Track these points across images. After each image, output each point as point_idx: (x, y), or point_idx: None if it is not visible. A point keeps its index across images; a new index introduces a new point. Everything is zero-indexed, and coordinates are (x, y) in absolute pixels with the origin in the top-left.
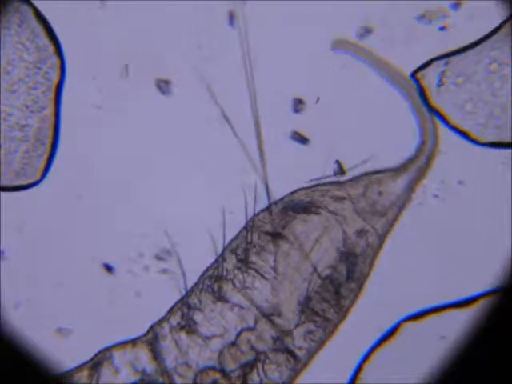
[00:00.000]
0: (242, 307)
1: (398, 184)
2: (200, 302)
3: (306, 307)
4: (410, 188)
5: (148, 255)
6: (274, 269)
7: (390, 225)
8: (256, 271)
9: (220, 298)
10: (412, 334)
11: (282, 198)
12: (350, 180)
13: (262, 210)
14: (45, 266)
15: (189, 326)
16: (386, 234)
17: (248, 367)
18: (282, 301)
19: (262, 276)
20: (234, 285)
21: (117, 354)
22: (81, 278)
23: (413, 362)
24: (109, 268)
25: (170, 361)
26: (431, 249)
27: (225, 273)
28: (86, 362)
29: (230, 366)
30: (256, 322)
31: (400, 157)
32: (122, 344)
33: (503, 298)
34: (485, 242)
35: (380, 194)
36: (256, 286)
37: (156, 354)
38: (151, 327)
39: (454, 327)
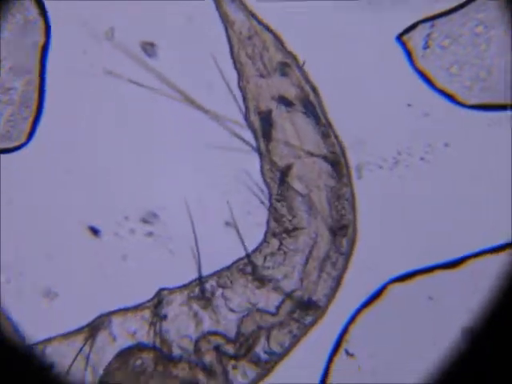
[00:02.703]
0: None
1: None
2: (231, 281)
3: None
4: None
5: (133, 218)
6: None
7: None
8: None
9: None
10: (399, 296)
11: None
12: None
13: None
14: (30, 229)
15: (206, 300)
16: None
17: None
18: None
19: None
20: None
21: (116, 321)
22: (67, 241)
23: (400, 324)
24: (95, 231)
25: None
26: (418, 210)
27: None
28: (84, 327)
29: (246, 330)
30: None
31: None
32: (123, 310)
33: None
34: (471, 204)
35: None
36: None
37: (156, 318)
38: (158, 292)
39: (442, 288)
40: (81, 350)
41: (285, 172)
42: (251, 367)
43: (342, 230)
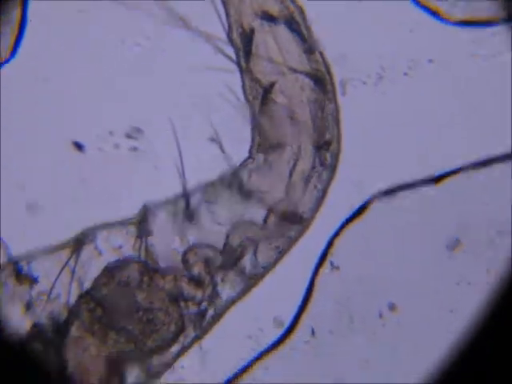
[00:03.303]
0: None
1: None
2: (216, 196)
3: None
4: None
5: (118, 133)
6: None
7: None
8: None
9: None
10: (383, 209)
11: None
12: None
13: None
14: (14, 143)
15: (191, 214)
16: None
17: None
18: None
19: None
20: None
21: (101, 236)
22: (51, 156)
23: (383, 238)
24: (79, 146)
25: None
26: (401, 126)
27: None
28: (68, 241)
29: (234, 243)
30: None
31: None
32: (108, 225)
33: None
34: (454, 119)
35: None
36: None
37: (142, 233)
38: (143, 207)
39: (424, 203)
40: (66, 264)
41: (268, 89)
42: (239, 279)
43: (326, 145)
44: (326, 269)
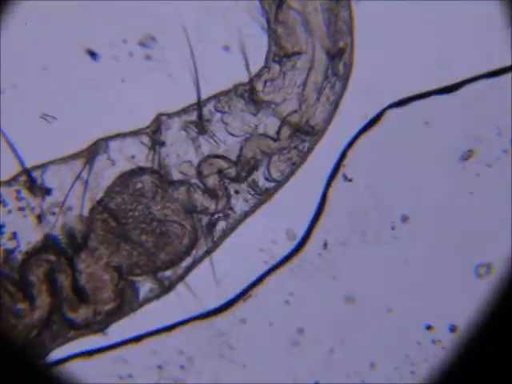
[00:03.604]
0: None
1: None
2: (229, 107)
3: None
4: None
5: (131, 41)
6: None
7: None
8: None
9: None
10: (396, 120)
11: None
12: None
13: None
14: (29, 51)
15: (205, 124)
16: None
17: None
18: None
19: None
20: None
21: (114, 146)
22: (65, 65)
23: (396, 149)
24: (93, 54)
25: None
26: (416, 35)
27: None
28: (82, 151)
29: (247, 155)
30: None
31: None
32: (121, 135)
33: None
34: (470, 27)
35: None
36: None
37: (155, 143)
38: (156, 117)
39: (438, 112)
40: (79, 174)
41: None
42: (252, 192)
43: (339, 54)
44: (338, 181)
